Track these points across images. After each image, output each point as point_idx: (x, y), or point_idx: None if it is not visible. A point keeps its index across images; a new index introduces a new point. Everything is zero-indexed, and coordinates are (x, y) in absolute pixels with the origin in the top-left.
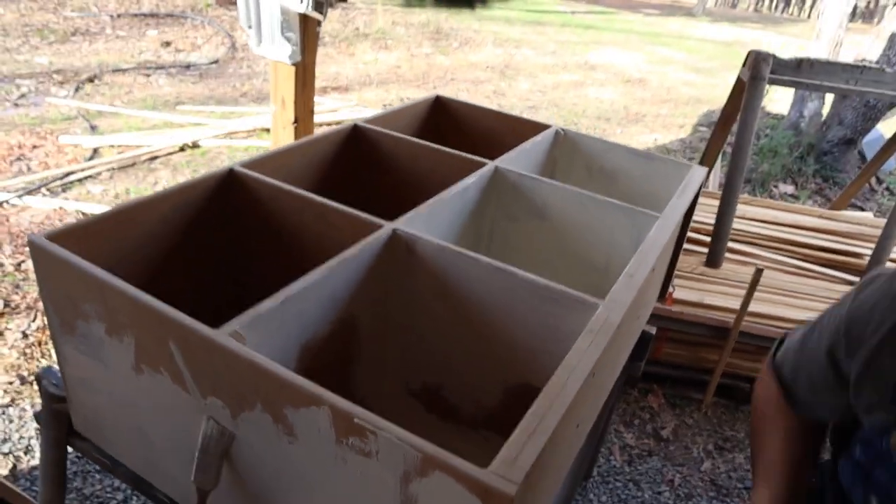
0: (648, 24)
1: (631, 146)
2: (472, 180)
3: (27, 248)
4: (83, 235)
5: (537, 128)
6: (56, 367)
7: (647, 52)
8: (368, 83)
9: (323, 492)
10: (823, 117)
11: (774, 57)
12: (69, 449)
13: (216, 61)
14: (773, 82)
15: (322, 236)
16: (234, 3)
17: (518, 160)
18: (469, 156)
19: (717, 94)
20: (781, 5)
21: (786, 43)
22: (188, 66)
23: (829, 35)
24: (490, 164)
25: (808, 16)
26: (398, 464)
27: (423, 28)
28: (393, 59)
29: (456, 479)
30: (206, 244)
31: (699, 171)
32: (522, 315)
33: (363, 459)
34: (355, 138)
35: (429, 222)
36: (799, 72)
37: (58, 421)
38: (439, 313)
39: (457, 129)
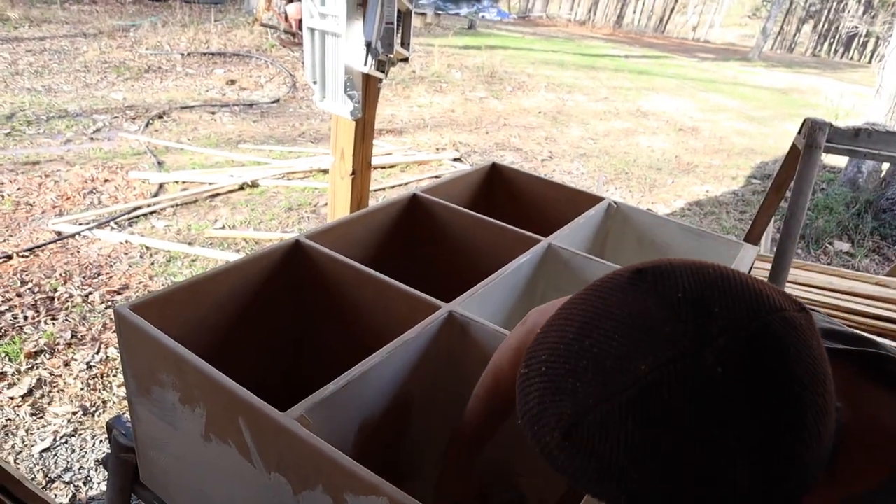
0: (702, 69)
1: (683, 223)
2: (525, 258)
3: (94, 280)
4: (162, 305)
5: (591, 200)
6: (125, 416)
7: (700, 98)
8: (423, 126)
9: None
10: (883, 173)
11: (831, 125)
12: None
13: (277, 100)
14: (829, 151)
15: (382, 310)
16: (298, 45)
17: (571, 236)
18: (523, 231)
19: (771, 144)
20: (841, 50)
21: (844, 91)
22: (251, 105)
23: (890, 90)
24: (544, 242)
25: (869, 61)
26: None
27: (477, 71)
28: (447, 102)
29: None
30: (272, 313)
31: (750, 251)
32: None
33: None
34: (413, 207)
35: (483, 303)
36: (856, 141)
37: (125, 469)
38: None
39: (511, 196)
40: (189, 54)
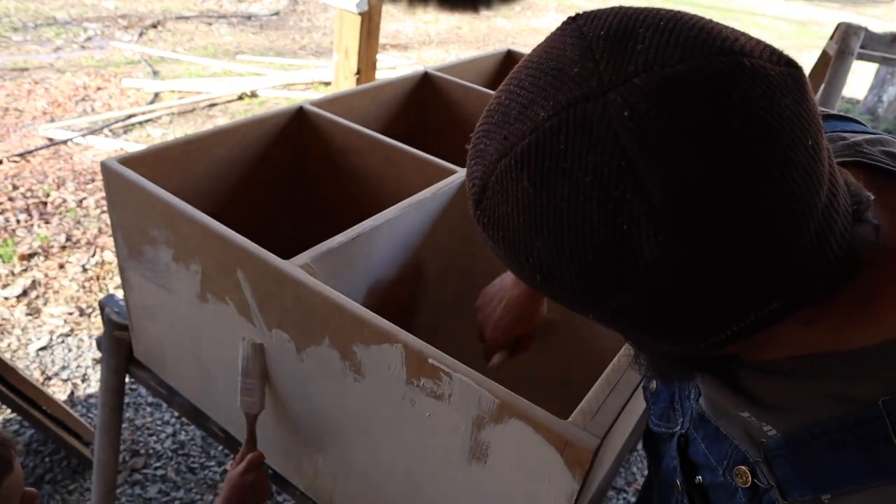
0: None
1: None
2: None
3: (89, 185)
4: (154, 162)
5: None
6: (119, 295)
7: None
8: (428, 42)
9: (387, 432)
10: None
11: (866, 30)
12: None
13: (277, 13)
14: (862, 58)
15: (390, 179)
16: None
17: None
18: None
19: None
20: None
21: (867, 25)
22: (249, 17)
23: None
24: None
25: None
26: (471, 408)
27: None
28: (454, 19)
29: (534, 428)
30: (273, 180)
31: None
32: None
33: (433, 402)
34: (424, 85)
35: None
36: (893, 48)
37: (118, 348)
38: None
39: None
40: None
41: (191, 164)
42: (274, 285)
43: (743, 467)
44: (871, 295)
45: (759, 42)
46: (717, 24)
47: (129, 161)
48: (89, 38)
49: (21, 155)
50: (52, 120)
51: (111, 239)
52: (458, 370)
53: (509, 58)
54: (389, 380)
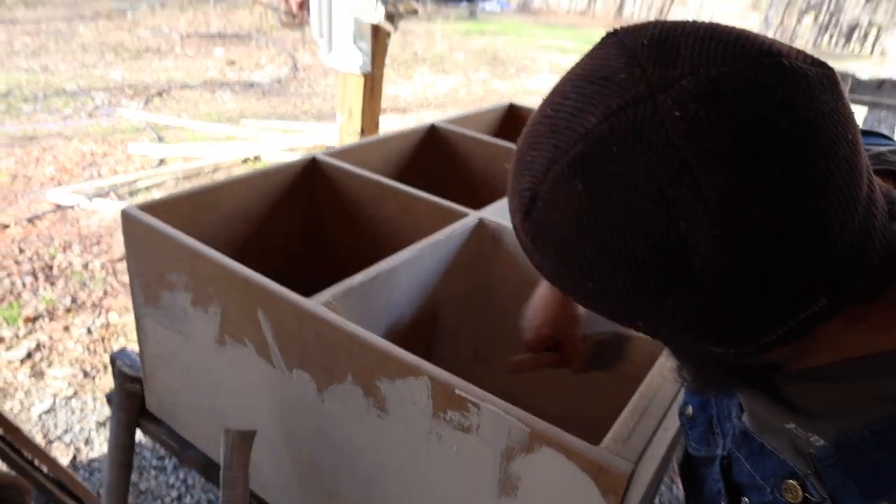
0: None
1: None
2: None
3: (94, 248)
4: (172, 209)
5: None
6: (130, 349)
7: None
8: (426, 105)
9: (413, 470)
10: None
11: (853, 77)
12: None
13: (279, 80)
14: (851, 102)
15: (405, 227)
16: (299, 26)
17: None
18: None
19: None
20: (842, 41)
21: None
22: (251, 85)
23: None
24: None
25: (871, 52)
26: (501, 439)
27: (480, 54)
28: (451, 82)
29: (567, 456)
30: (287, 228)
31: None
32: None
33: (461, 435)
34: (432, 137)
35: None
36: (880, 93)
37: (130, 402)
38: (526, 298)
39: None
40: (188, 35)
41: (207, 212)
42: (296, 323)
43: (792, 482)
44: None
45: (791, 46)
46: (751, 31)
47: (148, 208)
48: (97, 107)
49: (29, 220)
50: (60, 185)
51: (116, 300)
52: (486, 400)
53: (511, 111)
54: (415, 415)
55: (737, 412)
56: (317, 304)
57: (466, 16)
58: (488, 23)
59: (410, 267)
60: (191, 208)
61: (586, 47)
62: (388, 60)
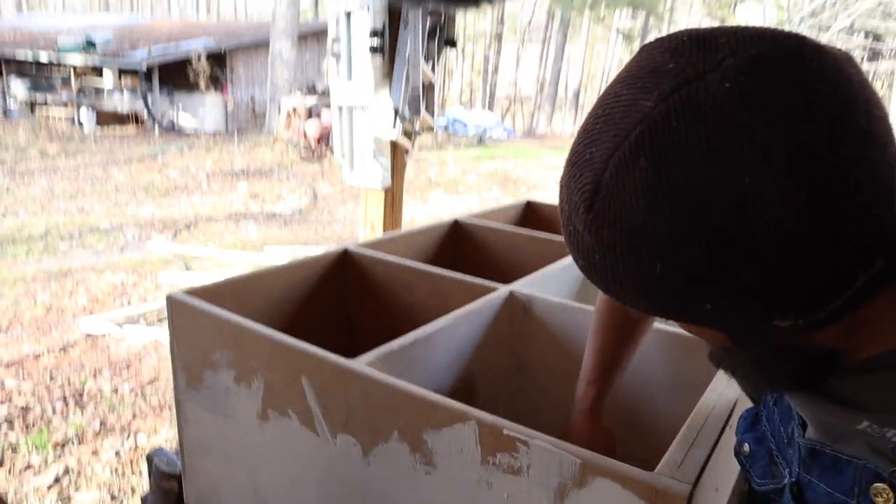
0: None
1: None
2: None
3: (124, 373)
4: (215, 295)
5: None
6: (166, 448)
7: None
8: None
9: None
10: None
11: None
12: None
13: (300, 210)
14: None
15: (436, 306)
16: (318, 159)
17: None
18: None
19: None
20: None
21: None
22: (274, 215)
23: None
24: None
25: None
26: (553, 476)
27: (491, 176)
28: (465, 203)
29: (622, 485)
30: (322, 314)
31: None
32: (650, 363)
33: (511, 479)
34: (456, 231)
35: (542, 286)
36: None
37: (166, 500)
38: (559, 369)
39: (549, 228)
40: (213, 173)
41: (249, 297)
42: (340, 386)
43: (879, 484)
44: None
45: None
46: None
47: (193, 292)
48: (128, 242)
49: (61, 348)
50: (91, 314)
51: (145, 422)
52: (535, 437)
53: (529, 207)
54: (463, 464)
55: (798, 432)
56: (361, 364)
57: (475, 143)
58: (497, 148)
59: (446, 334)
60: (233, 294)
61: None
62: (404, 185)
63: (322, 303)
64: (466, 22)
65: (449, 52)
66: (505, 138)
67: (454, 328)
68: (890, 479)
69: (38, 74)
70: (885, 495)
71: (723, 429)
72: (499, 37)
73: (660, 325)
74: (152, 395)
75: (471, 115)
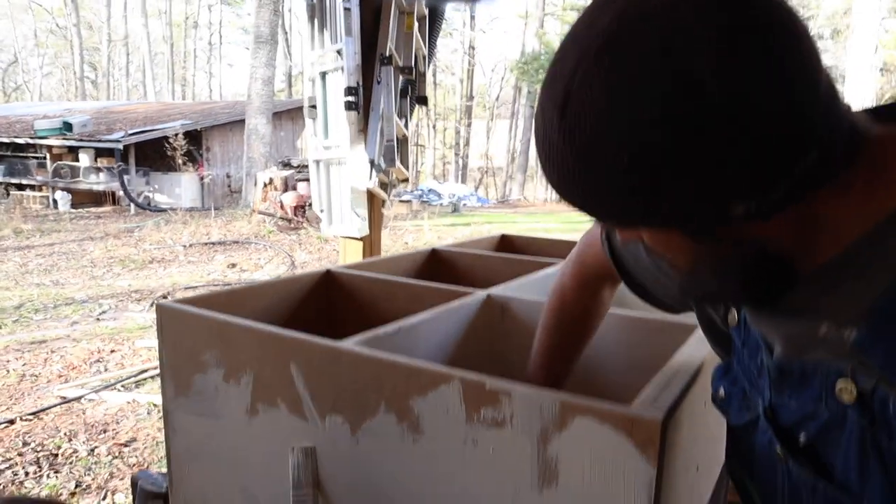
0: None
1: None
2: (553, 268)
3: (101, 436)
4: (203, 304)
5: None
6: (151, 469)
7: None
8: None
9: (451, 487)
10: None
11: None
12: None
13: (278, 277)
14: None
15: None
16: (295, 229)
17: None
18: (546, 259)
19: None
20: None
21: None
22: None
23: None
24: None
25: None
26: (535, 422)
27: (469, 237)
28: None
29: (600, 419)
30: (304, 329)
31: None
32: (606, 345)
33: (496, 433)
34: (434, 258)
35: (518, 291)
36: None
37: None
38: None
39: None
40: (191, 245)
41: (235, 308)
42: (328, 365)
43: (842, 380)
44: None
45: None
46: None
47: (182, 301)
48: (104, 312)
49: (34, 413)
50: (67, 381)
51: (123, 482)
52: (516, 386)
53: (503, 240)
54: (449, 425)
55: (767, 358)
56: (347, 343)
57: (450, 211)
58: (471, 216)
59: (428, 326)
60: (219, 306)
61: (568, 226)
62: (387, 204)
63: (305, 318)
64: (437, 100)
65: (421, 129)
66: (478, 206)
67: (435, 322)
68: (851, 374)
69: (15, 159)
70: (848, 389)
71: (693, 378)
72: (469, 110)
73: (616, 310)
74: (130, 454)
75: (444, 187)
